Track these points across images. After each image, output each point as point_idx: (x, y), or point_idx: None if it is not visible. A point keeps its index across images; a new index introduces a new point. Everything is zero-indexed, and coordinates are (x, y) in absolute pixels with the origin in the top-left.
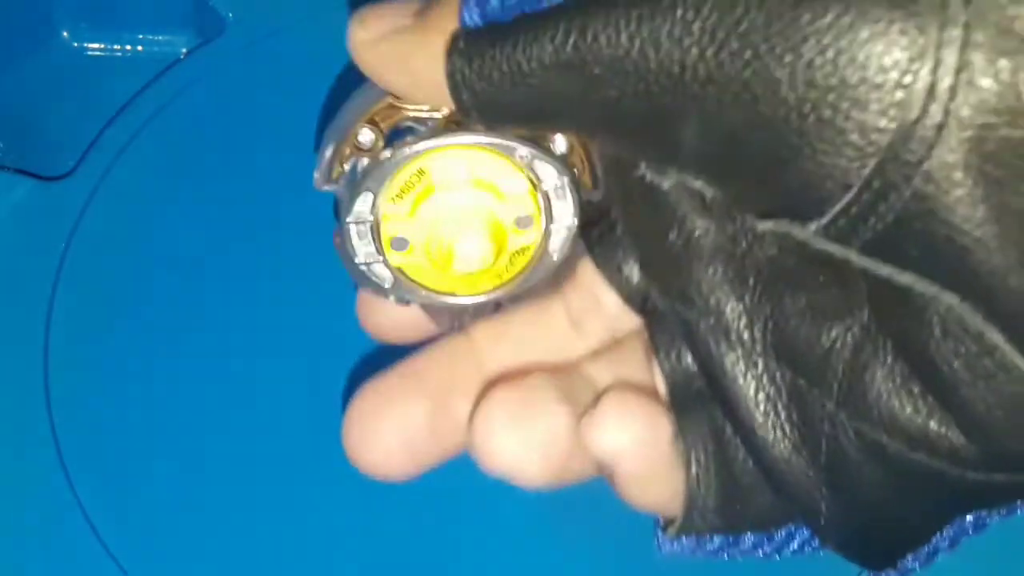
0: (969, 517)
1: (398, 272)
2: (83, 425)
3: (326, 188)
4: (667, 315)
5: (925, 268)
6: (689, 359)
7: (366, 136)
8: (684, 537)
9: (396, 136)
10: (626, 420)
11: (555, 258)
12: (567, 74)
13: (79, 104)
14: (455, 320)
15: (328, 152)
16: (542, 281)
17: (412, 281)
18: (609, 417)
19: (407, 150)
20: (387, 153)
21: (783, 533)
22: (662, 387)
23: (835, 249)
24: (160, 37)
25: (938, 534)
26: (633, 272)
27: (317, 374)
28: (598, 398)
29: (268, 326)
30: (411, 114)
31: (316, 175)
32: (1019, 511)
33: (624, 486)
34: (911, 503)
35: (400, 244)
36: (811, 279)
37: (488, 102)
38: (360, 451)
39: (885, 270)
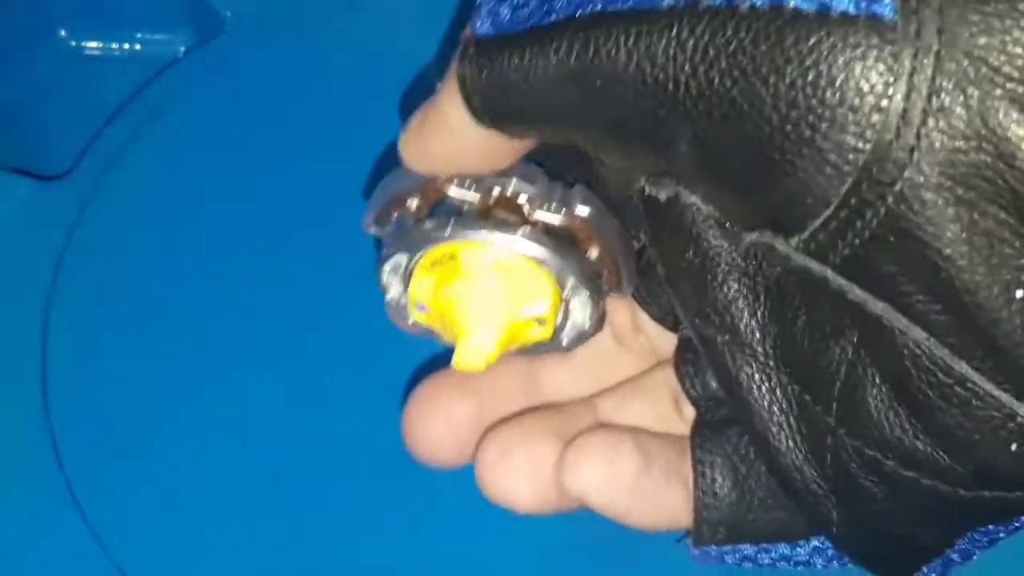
0: (978, 531)
1: (417, 321)
2: (81, 425)
3: (372, 232)
4: (690, 333)
5: (899, 289)
6: (714, 384)
7: (414, 202)
8: (708, 546)
9: (440, 206)
10: (587, 462)
11: (563, 344)
12: (570, 85)
13: (77, 103)
14: None
15: (379, 205)
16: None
17: (431, 330)
18: (571, 459)
19: (446, 232)
20: (428, 224)
21: (811, 546)
22: (688, 412)
23: (814, 265)
24: (158, 36)
25: (949, 547)
26: (664, 293)
27: (315, 374)
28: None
29: (267, 325)
30: (453, 195)
31: (364, 220)
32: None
33: (603, 515)
34: (914, 517)
35: (422, 307)
36: (809, 298)
37: (496, 106)
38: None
39: (859, 294)
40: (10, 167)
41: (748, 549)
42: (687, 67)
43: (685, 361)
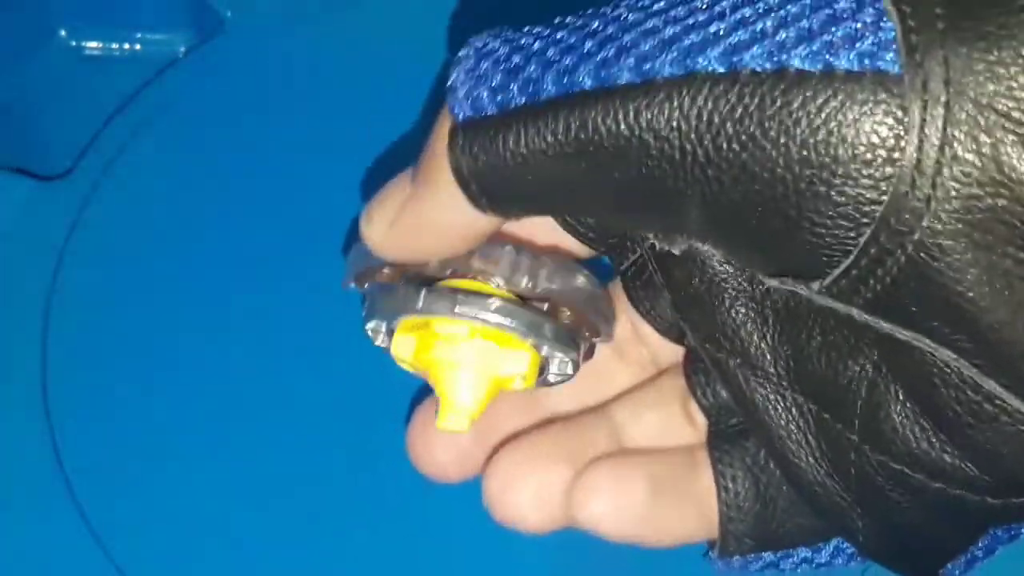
0: (1001, 527)
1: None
2: (80, 425)
3: (352, 288)
4: (699, 351)
5: (925, 323)
6: (725, 393)
7: (385, 270)
8: (732, 557)
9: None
10: (596, 498)
11: (550, 383)
12: (571, 163)
13: (77, 103)
14: None
15: (353, 272)
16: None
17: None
18: (579, 497)
19: (417, 305)
20: (401, 293)
21: (831, 547)
22: (699, 418)
23: (838, 306)
24: (158, 36)
25: (973, 545)
26: (668, 307)
27: (314, 375)
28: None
29: (267, 326)
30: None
31: (343, 281)
32: None
33: (614, 541)
34: (940, 523)
35: (405, 362)
36: (824, 321)
37: (496, 191)
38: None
39: (886, 326)
40: (10, 167)
41: (770, 556)
42: (692, 136)
43: (696, 370)
